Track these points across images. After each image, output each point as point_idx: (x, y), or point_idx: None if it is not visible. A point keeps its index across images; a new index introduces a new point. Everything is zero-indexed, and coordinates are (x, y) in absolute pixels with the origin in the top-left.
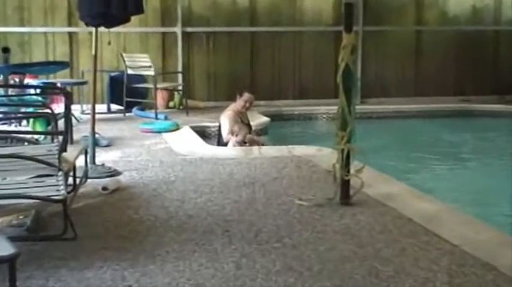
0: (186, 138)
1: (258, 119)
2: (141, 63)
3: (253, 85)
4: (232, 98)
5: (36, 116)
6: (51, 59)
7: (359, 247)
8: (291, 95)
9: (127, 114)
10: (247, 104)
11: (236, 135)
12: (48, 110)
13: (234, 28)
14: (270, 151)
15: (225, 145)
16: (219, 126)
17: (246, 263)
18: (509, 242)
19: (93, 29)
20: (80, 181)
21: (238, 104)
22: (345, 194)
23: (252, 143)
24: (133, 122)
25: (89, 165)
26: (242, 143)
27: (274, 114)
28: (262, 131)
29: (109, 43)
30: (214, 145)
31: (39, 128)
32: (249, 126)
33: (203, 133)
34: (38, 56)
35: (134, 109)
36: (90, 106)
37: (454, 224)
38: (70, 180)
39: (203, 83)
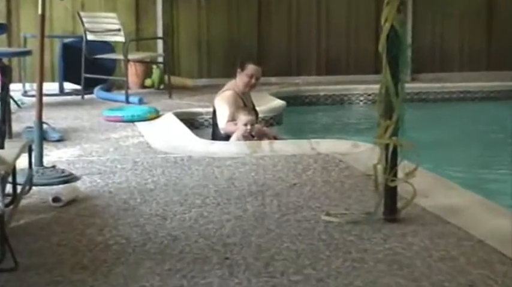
0: (168, 129)
1: (268, 103)
2: (107, 25)
3: (261, 56)
4: (231, 74)
5: None
6: None
7: (411, 281)
8: (315, 69)
9: (86, 96)
10: (253, 80)
11: (243, 125)
12: None
13: None
14: (286, 147)
15: (223, 138)
16: (214, 113)
17: None
18: None
19: None
20: (22, 189)
21: (239, 80)
22: (391, 207)
23: (261, 136)
24: (95, 108)
25: (35, 167)
26: (248, 136)
27: (291, 96)
28: (275, 119)
29: None
30: (208, 139)
31: None
32: (254, 112)
33: (192, 122)
34: None
35: (97, 89)
36: (35, 85)
37: None
38: (8, 188)
39: (192, 53)
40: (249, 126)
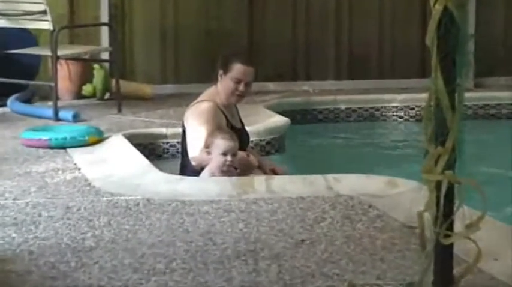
0: (117, 159)
1: (264, 121)
2: (25, 5)
3: (253, 53)
4: (209, 79)
5: None
6: None
7: None
8: (333, 72)
9: None
10: (241, 87)
11: (221, 154)
12: None
13: None
14: (290, 185)
15: (197, 172)
16: (184, 135)
17: None
18: None
19: None
20: None
21: (222, 87)
22: (444, 274)
23: (249, 168)
24: (8, 127)
25: None
26: (229, 170)
27: (298, 111)
28: (274, 145)
29: None
30: (175, 174)
31: None
32: (242, 133)
33: (152, 149)
34: None
35: (11, 100)
36: None
37: None
38: None
39: (152, 48)
40: (228, 157)
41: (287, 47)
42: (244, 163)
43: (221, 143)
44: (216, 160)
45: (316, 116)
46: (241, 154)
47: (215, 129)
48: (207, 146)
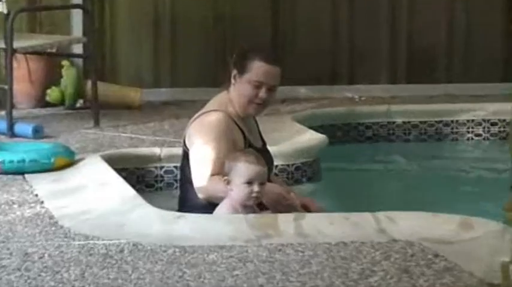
0: (93, 189)
1: (292, 138)
2: None
3: (280, 47)
4: (217, 82)
5: None
6: None
7: None
8: (386, 73)
9: None
10: (261, 93)
11: (244, 184)
12: None
13: None
14: (328, 226)
15: (203, 207)
16: (185, 157)
17: None
18: None
19: None
20: None
21: (237, 93)
22: None
23: (280, 205)
24: None
25: None
26: (252, 207)
27: (339, 125)
28: (306, 171)
29: None
30: (173, 210)
31: None
32: (263, 155)
33: (141, 176)
34: None
35: None
36: None
37: None
38: None
39: (142, 39)
40: (255, 188)
41: (325, 40)
42: (278, 200)
43: (245, 168)
44: (237, 191)
45: (363, 133)
46: (273, 187)
47: (231, 148)
48: (220, 172)
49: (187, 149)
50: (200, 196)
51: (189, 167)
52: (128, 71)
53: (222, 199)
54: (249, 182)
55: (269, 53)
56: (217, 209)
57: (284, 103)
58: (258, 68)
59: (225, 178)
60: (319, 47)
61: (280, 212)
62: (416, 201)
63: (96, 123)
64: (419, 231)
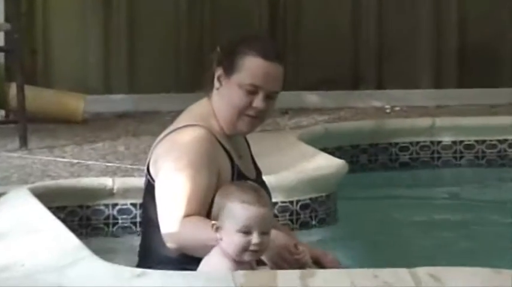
0: (19, 235)
1: (298, 164)
2: None
3: (278, 39)
4: (195, 85)
5: None
6: None
7: None
8: (428, 74)
9: None
10: (257, 102)
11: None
12: None
13: None
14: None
15: (171, 262)
16: (148, 189)
17: None
18: None
19: None
20: None
21: (223, 100)
22: None
23: (285, 262)
24: None
25: None
26: (249, 263)
27: (362, 146)
28: (317, 209)
29: None
30: (130, 264)
31: None
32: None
33: (86, 218)
34: None
35: None
36: None
37: None
38: None
39: (87, 27)
40: (255, 238)
41: (343, 31)
42: (281, 255)
43: (241, 211)
44: (229, 242)
45: (397, 157)
46: (275, 235)
47: (214, 180)
48: (199, 213)
49: (152, 180)
50: (170, 245)
51: (154, 205)
52: (67, 71)
53: (203, 250)
54: (247, 231)
55: (268, 45)
56: (203, 265)
57: (286, 115)
58: (252, 67)
59: (213, 222)
60: (334, 40)
61: (279, 266)
62: (470, 252)
63: (23, 143)
64: None
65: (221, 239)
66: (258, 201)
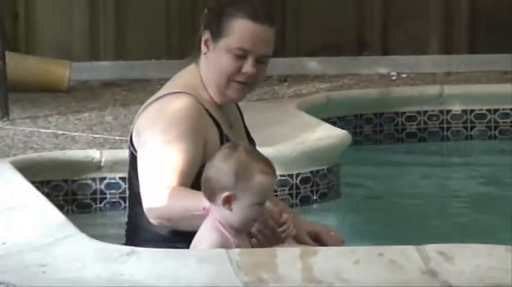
0: (1, 213)
1: (298, 135)
2: None
3: (275, 1)
4: (182, 51)
5: None
6: None
7: None
8: (438, 40)
9: None
10: (248, 66)
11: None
12: None
13: None
14: (350, 266)
15: (156, 239)
16: (132, 162)
17: None
18: None
19: None
20: None
21: (211, 65)
22: None
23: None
24: None
25: None
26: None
27: (366, 115)
28: (318, 183)
29: None
30: (118, 241)
31: None
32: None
33: (72, 192)
34: None
35: None
36: None
37: None
38: None
39: None
40: (271, 208)
41: None
42: (264, 222)
43: (261, 183)
44: (241, 214)
45: (404, 127)
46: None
47: (200, 151)
48: (188, 185)
49: (135, 151)
50: (154, 221)
51: (137, 179)
52: (51, 36)
53: (188, 221)
54: (260, 203)
55: (257, 6)
56: (198, 241)
57: (285, 83)
58: (241, 29)
59: (226, 193)
60: (337, 2)
61: (268, 242)
62: (482, 229)
63: (5, 113)
64: (487, 273)
65: (230, 210)
66: (272, 171)
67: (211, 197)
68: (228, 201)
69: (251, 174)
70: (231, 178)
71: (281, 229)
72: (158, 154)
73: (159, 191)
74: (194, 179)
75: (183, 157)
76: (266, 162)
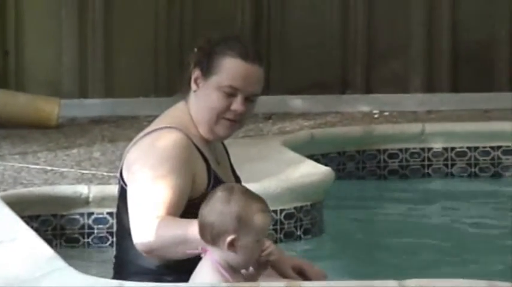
0: None
1: (281, 172)
2: None
3: (262, 40)
4: (170, 89)
5: None
6: None
7: None
8: (419, 77)
9: None
10: (237, 105)
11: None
12: None
13: None
14: None
15: (143, 272)
16: (122, 196)
17: None
18: None
19: None
20: None
21: (200, 103)
22: None
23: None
24: None
25: None
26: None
27: (349, 153)
28: (302, 218)
29: None
30: (106, 275)
31: None
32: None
33: (60, 227)
34: None
35: None
36: None
37: None
38: None
39: (62, 26)
40: (267, 243)
41: (330, 32)
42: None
43: (261, 221)
44: (246, 253)
45: (386, 165)
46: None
47: (189, 187)
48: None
49: (125, 185)
50: (144, 253)
51: (127, 213)
52: (40, 73)
53: (175, 249)
54: (261, 240)
55: (247, 46)
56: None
57: (269, 120)
58: (231, 68)
59: (231, 237)
60: (321, 39)
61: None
62: (461, 264)
63: None
64: None
65: (235, 251)
66: (268, 209)
67: (213, 242)
68: (232, 244)
69: (252, 215)
70: (234, 221)
71: (264, 254)
72: (148, 187)
73: (149, 222)
74: (182, 212)
75: (173, 191)
76: (262, 200)
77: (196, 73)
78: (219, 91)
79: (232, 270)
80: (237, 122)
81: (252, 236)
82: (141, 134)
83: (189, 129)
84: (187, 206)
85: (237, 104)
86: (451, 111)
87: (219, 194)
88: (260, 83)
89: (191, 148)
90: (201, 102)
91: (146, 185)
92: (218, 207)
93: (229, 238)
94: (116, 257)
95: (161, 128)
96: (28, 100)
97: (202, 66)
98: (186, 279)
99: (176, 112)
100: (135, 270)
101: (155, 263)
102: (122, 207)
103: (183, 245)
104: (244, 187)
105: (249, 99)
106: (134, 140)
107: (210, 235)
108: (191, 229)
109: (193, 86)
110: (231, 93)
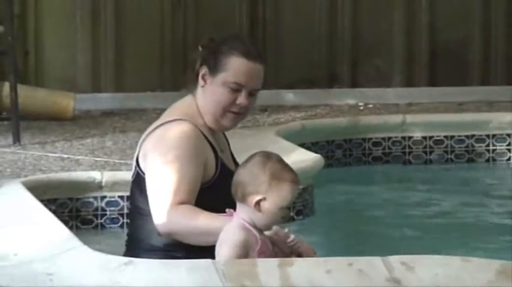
0: (11, 227)
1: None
2: None
3: (258, 39)
4: (177, 84)
5: None
6: None
7: None
8: (401, 73)
9: None
10: (240, 99)
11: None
12: None
13: None
14: (323, 275)
15: (158, 250)
16: (137, 180)
17: None
18: None
19: None
20: None
21: (208, 98)
22: None
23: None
24: None
25: None
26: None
27: (337, 141)
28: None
29: None
30: (117, 254)
31: None
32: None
33: (76, 209)
34: None
35: None
36: None
37: None
38: None
39: (77, 28)
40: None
41: (319, 31)
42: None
43: (289, 190)
44: (268, 217)
45: (370, 152)
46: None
47: (201, 172)
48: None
49: (142, 173)
50: (163, 232)
51: (142, 196)
52: (58, 71)
53: (193, 236)
54: (286, 207)
55: (250, 46)
56: (223, 238)
57: (265, 112)
58: (237, 66)
59: (259, 196)
60: (311, 39)
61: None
62: (440, 242)
63: (16, 139)
64: (445, 281)
65: (260, 211)
66: (298, 179)
67: (243, 199)
68: (258, 203)
69: (282, 183)
70: (265, 184)
71: (291, 244)
72: (165, 176)
73: (168, 208)
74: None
75: (186, 178)
76: (294, 173)
77: (203, 70)
78: (225, 87)
79: (257, 229)
80: (240, 114)
81: (277, 202)
82: (154, 125)
83: (197, 120)
84: (200, 191)
85: (241, 99)
86: (429, 103)
87: (257, 159)
88: (261, 79)
89: (201, 138)
90: (208, 96)
91: (163, 175)
92: (254, 169)
93: (257, 198)
94: (128, 234)
95: (173, 121)
96: (46, 95)
97: (209, 63)
98: (194, 257)
99: (184, 105)
100: (145, 247)
101: (165, 242)
102: (136, 191)
103: (204, 237)
104: (280, 156)
105: (251, 94)
106: (148, 130)
107: (241, 193)
108: (216, 224)
109: (200, 81)
110: (236, 89)
